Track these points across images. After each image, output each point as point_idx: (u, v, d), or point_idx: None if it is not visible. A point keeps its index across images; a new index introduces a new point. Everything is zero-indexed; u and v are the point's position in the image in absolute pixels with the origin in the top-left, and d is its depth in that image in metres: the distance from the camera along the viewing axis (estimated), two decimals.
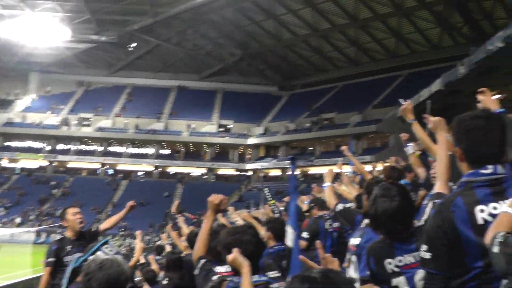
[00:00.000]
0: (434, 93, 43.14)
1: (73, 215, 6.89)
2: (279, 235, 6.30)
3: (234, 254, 3.41)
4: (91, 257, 3.29)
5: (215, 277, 3.76)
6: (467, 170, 3.00)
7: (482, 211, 2.82)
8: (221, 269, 4.52)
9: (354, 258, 4.72)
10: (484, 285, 2.77)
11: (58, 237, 6.90)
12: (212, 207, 4.34)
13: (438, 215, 2.93)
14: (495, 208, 2.81)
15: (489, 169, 2.90)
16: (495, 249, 2.31)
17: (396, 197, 3.55)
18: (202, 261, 4.02)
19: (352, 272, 4.73)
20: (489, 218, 2.79)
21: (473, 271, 2.80)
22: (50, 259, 6.64)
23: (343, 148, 9.82)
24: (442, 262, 2.89)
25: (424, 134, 5.02)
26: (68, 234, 6.88)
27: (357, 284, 4.46)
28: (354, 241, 4.86)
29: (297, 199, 6.28)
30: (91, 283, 3.11)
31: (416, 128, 5.01)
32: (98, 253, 4.26)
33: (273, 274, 3.94)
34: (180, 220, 11.99)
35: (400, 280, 3.51)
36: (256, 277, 3.44)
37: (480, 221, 2.81)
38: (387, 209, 3.52)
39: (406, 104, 5.15)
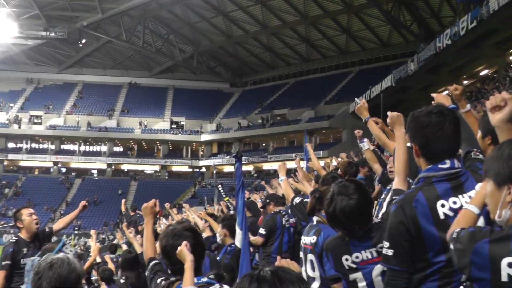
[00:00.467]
0: (385, 89, 43.91)
1: (28, 215, 6.69)
2: (235, 232, 6.42)
3: (181, 247, 3.45)
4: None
5: (159, 280, 3.78)
6: (425, 165, 3.03)
7: (443, 206, 2.87)
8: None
9: (311, 256, 4.66)
10: (446, 279, 2.83)
11: (13, 239, 6.69)
12: (147, 213, 4.38)
13: (400, 211, 2.93)
14: (454, 202, 2.88)
15: (447, 163, 2.94)
16: (451, 245, 2.33)
17: (353, 195, 3.48)
18: (152, 262, 4.01)
19: (309, 271, 4.72)
20: (449, 213, 2.85)
21: (435, 266, 2.85)
22: (6, 262, 6.42)
23: (308, 145, 9.65)
24: (404, 258, 2.92)
25: (379, 131, 5.15)
26: (23, 235, 6.68)
27: (315, 283, 4.60)
28: (309, 239, 4.75)
29: (244, 197, 6.34)
30: (41, 282, 3.10)
31: (372, 126, 5.12)
32: (60, 254, 4.38)
33: (212, 275, 4.07)
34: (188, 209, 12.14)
35: (357, 276, 3.51)
36: (195, 279, 3.42)
37: (441, 216, 2.86)
38: (344, 207, 3.45)
39: (362, 103, 5.18)
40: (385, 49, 60.78)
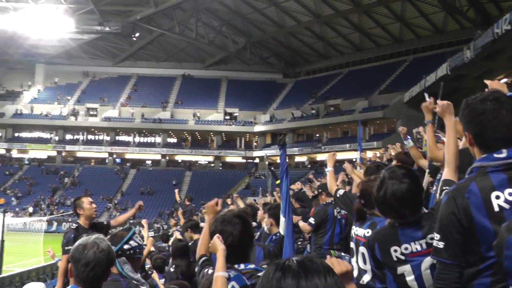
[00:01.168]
0: (440, 77, 42.93)
1: (89, 204, 6.95)
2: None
3: (213, 239, 3.53)
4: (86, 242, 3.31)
5: (206, 270, 3.85)
6: (479, 155, 2.87)
7: (497, 197, 2.68)
8: None
9: (363, 249, 4.60)
10: (500, 275, 2.58)
11: (74, 225, 6.89)
12: (209, 211, 4.37)
13: (451, 202, 2.79)
14: (511, 194, 2.68)
15: (503, 153, 2.75)
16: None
17: (404, 179, 3.38)
18: (203, 258, 4.06)
19: (361, 263, 4.68)
20: (505, 205, 2.66)
21: (489, 260, 2.67)
22: (68, 247, 6.53)
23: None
24: (456, 251, 2.78)
25: (432, 141, 4.87)
26: (82, 222, 6.92)
27: (367, 276, 4.57)
28: (362, 231, 4.70)
29: (288, 184, 6.23)
30: (96, 270, 3.20)
31: (429, 131, 4.78)
32: (131, 242, 4.47)
33: (264, 264, 4.00)
34: (237, 199, 12.18)
35: (405, 269, 3.39)
36: (242, 266, 3.49)
37: (496, 208, 2.67)
38: (396, 191, 3.35)
39: (428, 102, 4.84)
40: (440, 37, 59.45)
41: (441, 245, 2.83)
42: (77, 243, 3.37)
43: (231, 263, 3.48)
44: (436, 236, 2.87)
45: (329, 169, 6.91)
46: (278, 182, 10.30)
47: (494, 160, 2.76)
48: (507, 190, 2.69)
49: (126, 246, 4.49)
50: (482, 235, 2.68)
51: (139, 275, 4.50)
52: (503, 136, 2.77)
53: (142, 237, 6.97)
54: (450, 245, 2.80)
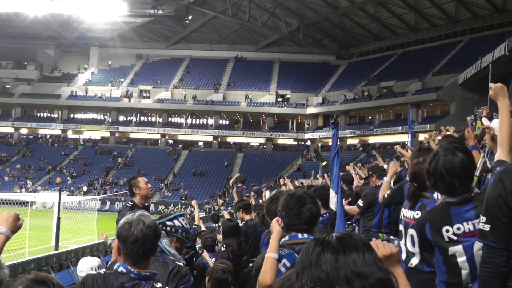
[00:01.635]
0: (497, 59, 41.64)
1: (145, 183, 6.93)
2: (327, 202, 6.27)
3: (273, 221, 3.64)
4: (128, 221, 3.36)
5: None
6: None
7: None
8: None
9: (413, 231, 4.50)
10: None
11: (130, 203, 6.97)
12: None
13: (499, 183, 2.75)
14: None
15: None
16: None
17: (458, 152, 3.39)
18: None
19: (409, 246, 4.61)
20: None
21: None
22: None
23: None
24: (502, 235, 2.73)
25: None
26: (138, 201, 6.86)
27: (415, 259, 4.49)
28: (412, 213, 4.65)
29: (339, 163, 6.19)
30: (146, 246, 3.25)
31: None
32: (175, 221, 4.62)
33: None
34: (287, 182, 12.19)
35: (457, 249, 3.33)
36: (305, 235, 3.64)
37: None
38: (447, 162, 3.35)
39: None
40: (499, 15, 57.64)
41: (487, 227, 2.79)
42: (122, 221, 3.42)
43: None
44: (482, 218, 2.84)
45: (386, 179, 7.02)
46: (324, 163, 10.25)
47: None
48: None
49: (169, 223, 4.74)
50: None
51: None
52: None
53: (190, 223, 7.00)
54: (496, 228, 2.75)
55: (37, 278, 2.35)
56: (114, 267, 3.35)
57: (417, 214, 4.55)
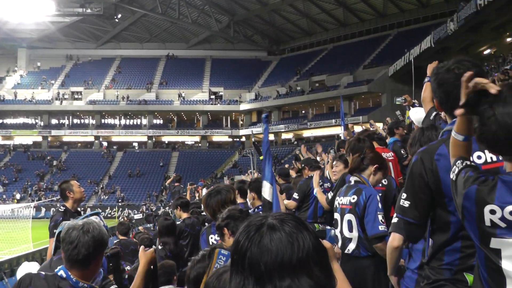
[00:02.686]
0: (423, 51, 42.96)
1: (78, 186, 6.85)
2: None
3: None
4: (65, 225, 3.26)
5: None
6: (450, 119, 2.97)
7: None
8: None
9: (350, 216, 4.66)
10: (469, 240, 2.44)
11: (61, 208, 6.83)
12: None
13: (420, 162, 2.87)
14: (479, 157, 2.76)
15: None
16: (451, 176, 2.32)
17: None
18: None
19: (346, 232, 4.73)
20: None
21: (458, 224, 2.72)
22: (57, 230, 6.59)
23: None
24: (420, 212, 2.86)
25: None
26: (70, 205, 6.75)
27: (351, 245, 4.66)
28: (348, 199, 4.74)
29: (270, 153, 6.22)
30: (79, 250, 3.12)
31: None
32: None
33: None
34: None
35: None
36: None
37: None
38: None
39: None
40: (424, 10, 59.31)
41: (406, 204, 2.90)
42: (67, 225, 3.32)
43: None
44: (403, 195, 2.93)
45: (316, 189, 7.18)
46: (261, 157, 10.29)
47: None
48: (476, 153, 2.74)
49: None
50: (449, 198, 2.67)
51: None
52: None
53: (133, 220, 6.76)
54: (415, 205, 2.87)
55: None
56: (55, 270, 3.23)
57: (353, 199, 4.67)
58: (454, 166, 2.28)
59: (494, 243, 2.09)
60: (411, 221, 2.90)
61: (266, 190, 5.44)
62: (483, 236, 2.13)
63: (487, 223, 2.08)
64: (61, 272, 3.16)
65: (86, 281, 3.17)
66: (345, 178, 7.76)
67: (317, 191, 7.14)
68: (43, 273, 3.25)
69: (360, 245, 4.65)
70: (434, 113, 4.64)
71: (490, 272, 2.14)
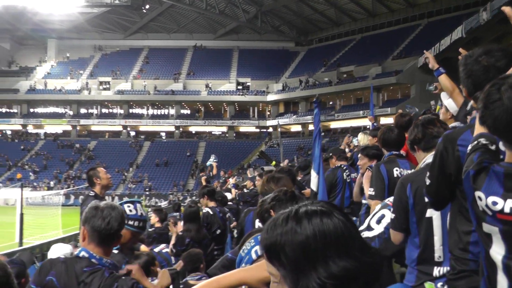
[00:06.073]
0: (454, 41, 42.27)
1: (104, 173, 6.82)
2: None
3: None
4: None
5: None
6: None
7: None
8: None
9: (386, 212, 4.38)
10: None
11: (91, 193, 6.65)
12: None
13: (441, 145, 2.90)
14: (494, 203, 2.73)
15: None
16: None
17: None
18: None
19: (373, 223, 4.46)
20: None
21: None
22: None
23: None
24: (436, 192, 2.94)
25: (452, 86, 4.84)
26: (99, 191, 6.72)
27: (369, 233, 4.57)
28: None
29: (321, 143, 6.17)
30: (112, 224, 3.21)
31: (445, 80, 4.86)
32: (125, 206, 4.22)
33: None
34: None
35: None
36: None
37: None
38: None
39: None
40: None
41: (427, 182, 2.96)
42: (88, 206, 3.37)
43: None
44: (428, 174, 2.98)
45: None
46: (273, 163, 10.32)
47: None
48: (491, 199, 2.67)
49: None
50: None
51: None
52: None
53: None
54: (432, 185, 2.94)
55: None
56: (75, 253, 3.28)
57: None
58: (475, 142, 2.31)
59: (486, 227, 2.16)
60: (428, 197, 2.99)
61: (314, 181, 5.43)
62: (478, 219, 2.20)
63: (480, 207, 2.14)
64: (83, 253, 3.19)
65: (108, 258, 3.25)
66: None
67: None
68: (63, 256, 3.27)
69: (377, 239, 4.56)
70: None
71: (486, 255, 2.20)
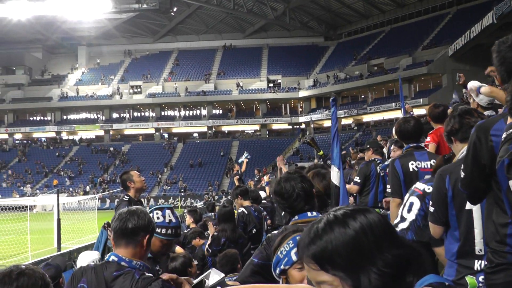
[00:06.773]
0: (485, 27, 41.55)
1: (138, 176, 6.83)
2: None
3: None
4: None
5: None
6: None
7: None
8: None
9: (415, 199, 4.34)
10: None
11: (126, 197, 6.64)
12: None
13: (475, 136, 2.84)
14: None
15: None
16: None
17: None
18: None
19: (404, 212, 4.41)
20: None
21: None
22: None
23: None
24: (470, 184, 2.89)
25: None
26: (133, 195, 6.71)
27: (403, 224, 4.31)
28: (424, 186, 4.35)
29: (338, 136, 6.08)
30: (126, 224, 3.20)
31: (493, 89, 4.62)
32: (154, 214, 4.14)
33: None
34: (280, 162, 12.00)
35: None
36: (309, 213, 3.46)
37: None
38: None
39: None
40: None
41: (462, 175, 2.95)
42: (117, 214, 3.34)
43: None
44: (461, 166, 2.98)
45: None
46: (321, 153, 10.14)
47: None
48: None
49: None
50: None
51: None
52: None
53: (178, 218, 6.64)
54: (466, 177, 2.91)
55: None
56: (105, 258, 3.25)
57: (428, 189, 4.27)
58: (509, 130, 2.29)
59: None
60: (463, 191, 2.97)
61: (334, 175, 5.32)
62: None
63: None
64: (112, 257, 3.19)
65: (140, 260, 3.22)
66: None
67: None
68: (93, 263, 3.33)
69: (411, 227, 4.42)
70: None
71: None
